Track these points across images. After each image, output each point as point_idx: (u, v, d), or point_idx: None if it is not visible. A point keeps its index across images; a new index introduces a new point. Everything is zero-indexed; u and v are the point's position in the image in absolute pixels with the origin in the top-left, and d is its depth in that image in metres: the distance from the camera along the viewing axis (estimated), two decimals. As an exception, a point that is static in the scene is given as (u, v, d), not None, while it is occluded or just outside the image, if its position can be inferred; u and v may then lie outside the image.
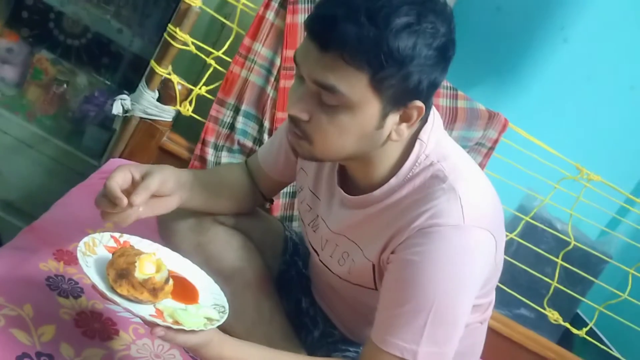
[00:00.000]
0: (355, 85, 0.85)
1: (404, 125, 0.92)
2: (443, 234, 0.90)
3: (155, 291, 0.90)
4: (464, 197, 0.92)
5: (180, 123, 1.70)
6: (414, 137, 0.97)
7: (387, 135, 0.92)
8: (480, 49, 2.01)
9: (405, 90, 0.87)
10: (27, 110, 1.83)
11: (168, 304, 0.92)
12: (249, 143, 1.67)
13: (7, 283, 1.03)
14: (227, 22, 1.64)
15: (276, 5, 1.58)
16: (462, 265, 0.91)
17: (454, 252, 0.91)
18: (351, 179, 1.04)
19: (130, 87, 1.72)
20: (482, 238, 0.93)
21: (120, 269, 0.89)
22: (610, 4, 2.08)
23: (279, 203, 1.68)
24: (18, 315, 0.98)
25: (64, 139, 1.80)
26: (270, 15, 1.59)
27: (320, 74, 0.86)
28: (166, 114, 1.65)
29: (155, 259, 0.93)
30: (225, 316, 0.92)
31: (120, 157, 1.65)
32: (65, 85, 1.86)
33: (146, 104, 1.62)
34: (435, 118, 1.00)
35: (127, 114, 1.62)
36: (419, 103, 0.90)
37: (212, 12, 1.63)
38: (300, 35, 1.60)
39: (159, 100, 1.64)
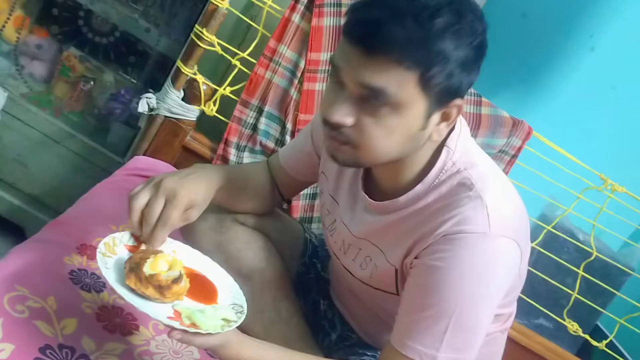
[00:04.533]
0: (404, 86, 0.85)
1: (443, 125, 0.93)
2: (468, 241, 0.90)
3: (161, 289, 0.90)
4: (491, 206, 0.91)
5: (203, 122, 1.72)
6: (442, 144, 0.97)
7: (428, 136, 0.93)
8: (505, 56, 2.00)
9: (448, 89, 0.88)
10: (55, 106, 1.85)
11: (186, 304, 0.92)
12: (271, 144, 1.68)
13: (32, 275, 1.05)
14: (253, 24, 1.65)
15: (302, 8, 1.59)
16: (486, 273, 0.91)
17: (479, 260, 0.90)
18: (376, 185, 1.04)
19: (156, 86, 1.73)
20: (508, 247, 0.92)
21: (133, 263, 0.91)
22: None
23: (299, 205, 1.69)
24: (42, 308, 1.00)
25: (90, 135, 1.82)
26: (296, 17, 1.59)
27: (369, 77, 0.85)
28: (191, 113, 1.67)
29: (171, 259, 0.94)
30: (243, 317, 0.92)
31: (144, 154, 1.67)
32: (92, 83, 1.89)
33: (171, 103, 1.63)
34: (462, 125, 1.00)
35: (152, 113, 1.64)
36: (459, 101, 0.91)
37: (238, 13, 1.64)
38: (326, 38, 1.61)
39: (183, 99, 1.65)
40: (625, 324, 1.76)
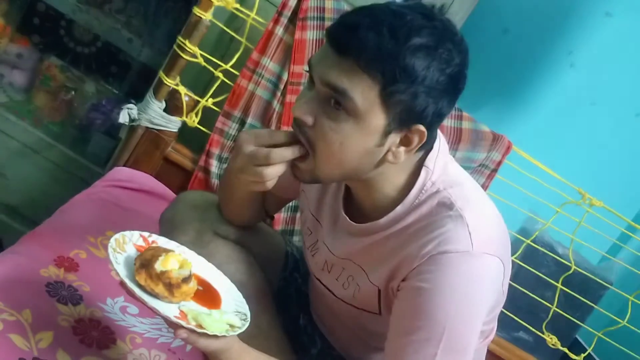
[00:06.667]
0: (366, 94, 0.86)
1: (402, 149, 0.92)
2: (452, 261, 0.90)
3: (170, 287, 0.90)
4: (472, 224, 0.91)
5: (185, 134, 1.71)
6: (420, 164, 0.96)
7: (383, 155, 0.92)
8: (486, 71, 2.02)
9: (411, 110, 0.87)
10: (34, 115, 1.84)
11: (192, 307, 0.92)
12: (253, 156, 1.68)
13: (8, 287, 1.04)
14: (237, 36, 1.65)
15: (285, 21, 1.60)
16: (472, 292, 0.91)
17: (464, 279, 0.90)
18: (356, 206, 1.03)
19: (137, 96, 1.73)
20: (491, 264, 0.93)
21: (144, 259, 0.91)
22: (618, 31, 2.09)
23: (280, 217, 1.69)
24: (17, 321, 0.98)
25: (70, 145, 1.81)
26: (279, 30, 1.60)
27: (334, 77, 0.86)
28: (172, 124, 1.66)
29: (182, 259, 0.94)
30: (247, 324, 0.92)
31: (124, 165, 1.66)
32: (73, 93, 1.88)
33: (153, 114, 1.62)
34: (441, 144, 0.99)
35: (133, 123, 1.63)
36: (421, 127, 0.90)
37: (222, 25, 1.64)
38: (309, 51, 1.61)
39: (165, 110, 1.65)
40: (604, 337, 1.77)
